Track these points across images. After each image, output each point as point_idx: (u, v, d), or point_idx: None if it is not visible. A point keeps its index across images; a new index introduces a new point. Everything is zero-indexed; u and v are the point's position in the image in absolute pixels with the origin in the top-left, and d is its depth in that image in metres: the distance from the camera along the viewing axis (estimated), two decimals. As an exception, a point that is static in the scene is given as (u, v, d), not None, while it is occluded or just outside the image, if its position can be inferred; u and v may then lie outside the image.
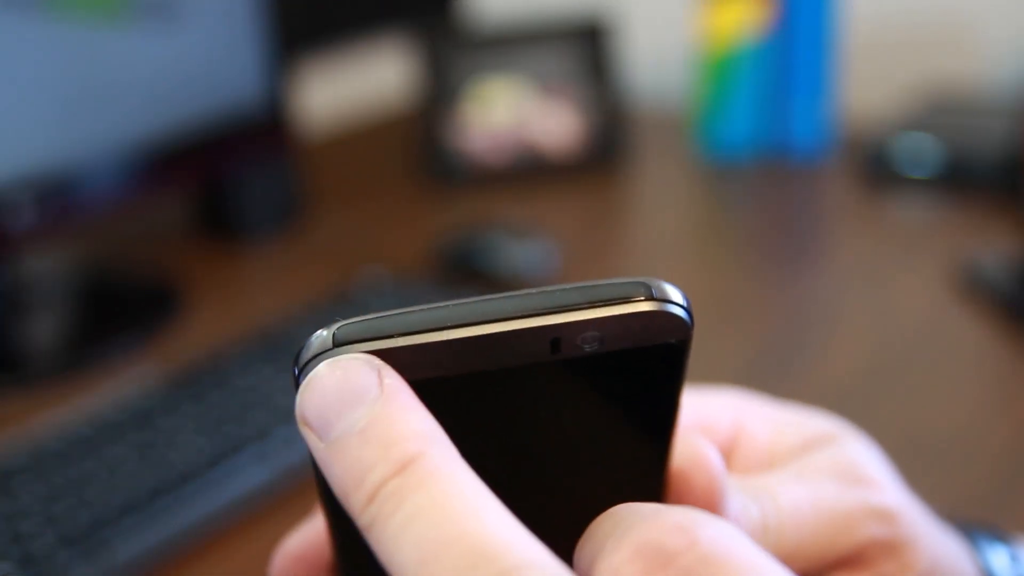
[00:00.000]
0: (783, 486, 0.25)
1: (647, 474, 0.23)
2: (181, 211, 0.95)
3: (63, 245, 0.87)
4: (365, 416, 0.19)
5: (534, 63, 1.06)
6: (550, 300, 0.20)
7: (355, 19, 1.19)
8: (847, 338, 0.72)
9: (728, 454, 0.27)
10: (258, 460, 0.57)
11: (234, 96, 0.84)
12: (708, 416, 0.28)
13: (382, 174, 1.07)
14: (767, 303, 0.78)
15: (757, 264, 0.86)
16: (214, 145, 0.84)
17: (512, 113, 1.05)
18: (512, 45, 1.06)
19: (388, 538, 0.18)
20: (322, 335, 0.20)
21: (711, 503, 0.23)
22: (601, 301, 0.20)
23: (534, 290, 0.20)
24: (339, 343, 0.20)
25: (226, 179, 0.90)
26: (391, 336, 0.19)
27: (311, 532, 0.26)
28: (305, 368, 0.20)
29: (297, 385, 0.20)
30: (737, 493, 0.24)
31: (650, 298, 0.20)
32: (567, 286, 0.20)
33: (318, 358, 0.20)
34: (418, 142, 1.07)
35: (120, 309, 0.79)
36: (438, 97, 1.04)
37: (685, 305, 0.20)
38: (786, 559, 0.24)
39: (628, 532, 0.19)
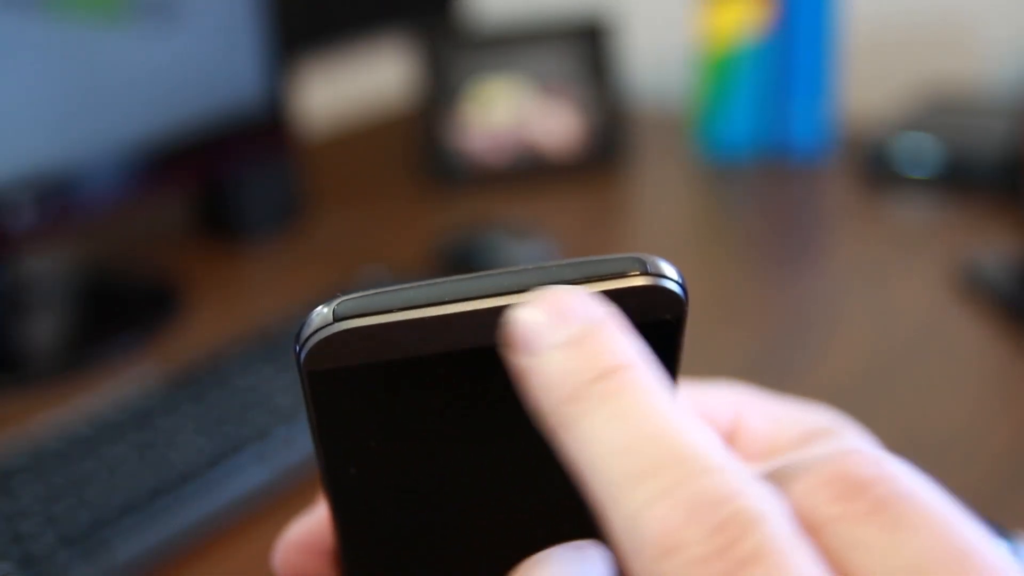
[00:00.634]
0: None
1: None
2: (181, 211, 0.95)
3: (63, 245, 0.87)
4: (578, 331, 0.19)
5: (534, 63, 1.06)
6: (547, 275, 0.20)
7: (355, 19, 1.19)
8: (847, 338, 0.72)
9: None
10: (258, 460, 0.57)
11: (234, 96, 0.84)
12: (706, 409, 0.28)
13: (382, 174, 1.07)
14: (767, 303, 0.78)
15: (757, 264, 0.86)
16: (214, 145, 0.84)
17: (512, 113, 1.05)
18: (512, 45, 1.06)
19: (585, 431, 0.18)
20: (322, 311, 0.20)
21: None
22: (596, 276, 0.20)
23: (530, 265, 0.20)
24: (339, 318, 0.20)
25: (226, 179, 0.90)
26: (392, 311, 0.20)
27: (313, 521, 0.26)
28: (306, 343, 0.20)
29: (299, 364, 0.20)
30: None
31: (644, 273, 0.20)
32: (563, 261, 0.20)
33: (318, 333, 0.20)
34: (418, 142, 1.07)
35: (120, 309, 0.79)
36: (438, 97, 1.04)
37: (679, 280, 0.20)
38: None
39: (820, 463, 0.19)
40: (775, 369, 0.68)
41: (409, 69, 1.15)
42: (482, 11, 1.33)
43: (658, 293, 0.20)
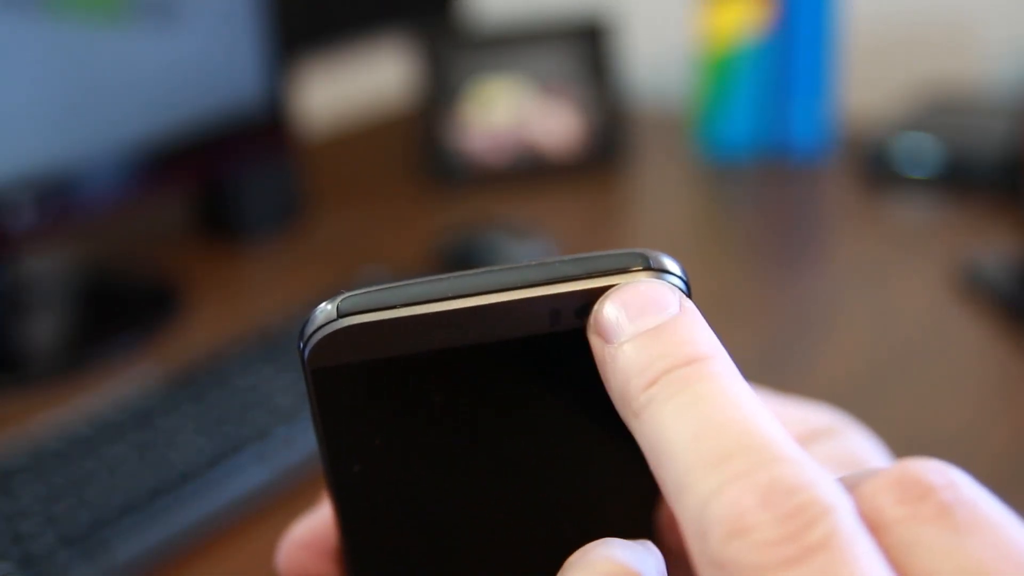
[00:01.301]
0: None
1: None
2: (181, 211, 0.95)
3: (63, 245, 0.87)
4: (660, 322, 0.20)
5: (534, 63, 1.06)
6: (549, 272, 0.20)
7: (355, 19, 1.19)
8: (847, 338, 0.72)
9: None
10: (258, 460, 0.57)
11: (234, 96, 0.84)
12: None
13: (382, 174, 1.07)
14: (767, 303, 0.78)
15: (757, 264, 0.86)
16: (214, 145, 0.84)
17: (512, 113, 1.05)
18: (512, 45, 1.06)
19: (663, 417, 0.19)
20: (326, 308, 0.20)
21: None
22: (599, 272, 0.20)
23: (533, 262, 0.20)
24: (343, 314, 0.20)
25: (226, 179, 0.90)
26: (394, 307, 0.20)
27: (317, 520, 0.26)
28: (310, 340, 0.20)
29: (303, 360, 0.20)
30: None
31: (647, 268, 0.20)
32: (566, 258, 0.20)
33: (322, 329, 0.20)
34: (418, 142, 1.07)
35: (120, 309, 0.79)
36: (438, 97, 1.04)
37: (682, 276, 0.21)
38: None
39: (886, 469, 0.19)
40: (775, 369, 0.68)
41: (409, 69, 1.15)
42: (482, 11, 1.33)
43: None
